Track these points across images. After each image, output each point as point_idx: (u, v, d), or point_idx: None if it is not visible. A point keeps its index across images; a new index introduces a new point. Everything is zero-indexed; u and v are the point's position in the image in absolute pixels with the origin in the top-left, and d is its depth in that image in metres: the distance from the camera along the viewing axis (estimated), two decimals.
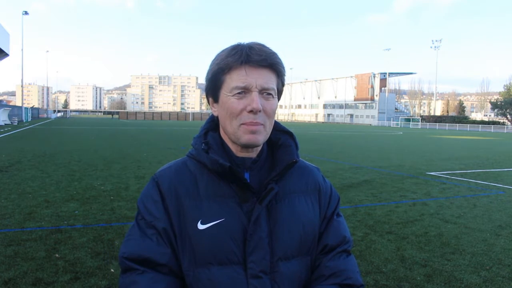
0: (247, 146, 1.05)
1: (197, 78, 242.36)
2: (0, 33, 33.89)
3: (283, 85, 1.10)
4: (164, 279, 1.01)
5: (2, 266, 3.97)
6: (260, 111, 1.00)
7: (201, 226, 1.01)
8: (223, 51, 1.06)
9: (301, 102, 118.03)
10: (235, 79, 1.01)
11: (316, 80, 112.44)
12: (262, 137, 1.03)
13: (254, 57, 1.01)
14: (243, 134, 1.02)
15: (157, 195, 1.06)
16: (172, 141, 22.78)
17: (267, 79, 1.02)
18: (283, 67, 1.07)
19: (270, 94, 1.03)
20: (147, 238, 1.03)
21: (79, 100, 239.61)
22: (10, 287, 3.53)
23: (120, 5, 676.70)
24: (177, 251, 1.04)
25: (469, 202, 7.53)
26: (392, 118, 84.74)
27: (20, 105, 65.12)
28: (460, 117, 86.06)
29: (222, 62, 1.04)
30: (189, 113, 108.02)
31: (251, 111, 1.00)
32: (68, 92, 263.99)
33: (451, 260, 4.45)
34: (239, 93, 1.01)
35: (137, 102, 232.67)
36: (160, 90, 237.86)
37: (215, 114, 1.10)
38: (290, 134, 1.16)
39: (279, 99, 1.09)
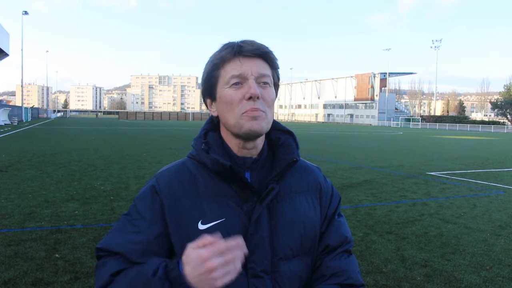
0: (250, 136, 1.03)
1: (197, 78, 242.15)
2: (0, 33, 33.91)
3: (278, 78, 1.10)
4: (132, 265, 1.01)
5: (2, 266, 3.98)
6: (258, 97, 1.00)
7: (201, 226, 1.01)
8: (215, 51, 1.07)
9: (301, 102, 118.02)
10: (229, 70, 1.02)
11: (316, 80, 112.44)
12: (264, 124, 1.02)
13: (246, 48, 1.02)
14: (246, 122, 1.01)
15: (153, 196, 1.06)
16: (172, 141, 22.78)
17: (262, 67, 1.03)
18: (276, 59, 1.07)
19: (266, 83, 1.03)
20: (125, 234, 1.03)
21: (79, 100, 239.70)
22: (10, 287, 3.54)
23: (122, 5, 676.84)
24: (169, 251, 1.04)
25: (469, 202, 7.53)
26: (392, 118, 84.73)
27: (20, 105, 65.13)
28: (460, 117, 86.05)
29: (215, 58, 1.05)
30: (189, 113, 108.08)
31: (250, 98, 1.00)
32: (68, 92, 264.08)
33: (451, 260, 4.45)
34: (235, 83, 1.01)
35: (137, 102, 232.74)
36: (160, 90, 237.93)
37: (214, 114, 1.10)
38: (290, 134, 1.16)
39: (276, 94, 1.08)
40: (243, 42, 1.04)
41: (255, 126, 1.01)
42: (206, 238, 0.84)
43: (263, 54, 1.04)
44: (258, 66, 1.02)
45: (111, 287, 0.96)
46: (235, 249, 0.84)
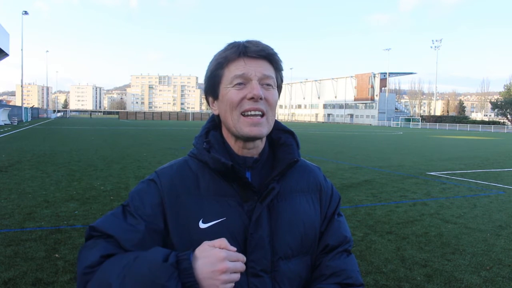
0: (249, 139, 1.04)
1: (197, 78, 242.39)
2: (0, 33, 33.89)
3: (281, 80, 1.10)
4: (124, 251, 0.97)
5: (2, 266, 3.97)
6: (261, 98, 1.00)
7: (202, 225, 1.01)
8: (220, 50, 1.07)
9: (301, 102, 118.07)
10: (233, 70, 1.02)
11: (316, 80, 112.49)
12: (265, 129, 1.03)
13: (251, 48, 1.02)
14: (244, 126, 1.01)
15: (153, 191, 1.04)
16: (172, 141, 22.77)
17: (266, 68, 1.03)
18: (281, 61, 1.07)
19: (269, 84, 1.03)
20: (123, 222, 1.00)
21: (79, 100, 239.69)
22: (10, 287, 3.53)
23: (123, 5, 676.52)
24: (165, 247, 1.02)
25: (469, 202, 7.53)
26: (392, 118, 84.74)
27: (20, 105, 65.11)
28: (460, 117, 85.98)
29: (220, 57, 1.05)
30: (189, 113, 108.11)
31: (251, 98, 1.00)
32: (68, 92, 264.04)
33: (451, 260, 4.45)
34: (239, 83, 1.01)
35: (137, 102, 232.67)
36: (160, 90, 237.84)
37: (216, 113, 1.10)
38: (291, 133, 1.16)
39: (279, 95, 1.08)
40: (249, 42, 1.04)
41: (255, 131, 1.01)
42: (223, 241, 0.88)
43: (268, 56, 1.04)
44: (262, 68, 1.02)
45: (101, 267, 0.91)
46: (240, 261, 0.88)
